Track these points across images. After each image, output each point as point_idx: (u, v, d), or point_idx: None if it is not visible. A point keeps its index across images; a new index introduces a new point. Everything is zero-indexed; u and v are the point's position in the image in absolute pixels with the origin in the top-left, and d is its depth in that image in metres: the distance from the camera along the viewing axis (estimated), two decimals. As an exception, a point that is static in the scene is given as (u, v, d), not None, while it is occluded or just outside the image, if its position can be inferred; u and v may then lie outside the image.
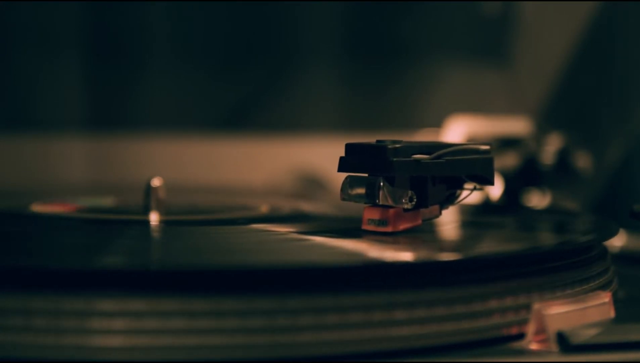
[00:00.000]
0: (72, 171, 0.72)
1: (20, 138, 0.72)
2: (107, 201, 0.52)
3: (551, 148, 0.59)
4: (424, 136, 0.68)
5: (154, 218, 0.43)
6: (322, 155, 0.71)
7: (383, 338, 0.30)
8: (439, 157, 0.37)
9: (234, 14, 0.75)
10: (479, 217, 0.49)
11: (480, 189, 0.40)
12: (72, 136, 0.72)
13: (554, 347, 0.31)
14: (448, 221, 0.43)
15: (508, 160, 0.59)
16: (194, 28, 0.75)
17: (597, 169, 0.63)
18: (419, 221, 0.38)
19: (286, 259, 0.33)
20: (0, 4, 0.70)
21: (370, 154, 0.37)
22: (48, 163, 0.72)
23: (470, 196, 0.40)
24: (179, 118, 0.75)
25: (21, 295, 0.29)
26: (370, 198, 0.37)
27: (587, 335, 0.31)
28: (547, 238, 0.43)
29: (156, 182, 0.44)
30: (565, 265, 0.35)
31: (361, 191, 0.37)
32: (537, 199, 0.58)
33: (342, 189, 0.37)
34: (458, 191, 0.39)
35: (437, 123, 0.68)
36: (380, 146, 0.36)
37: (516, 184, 0.58)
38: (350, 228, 0.39)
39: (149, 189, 0.44)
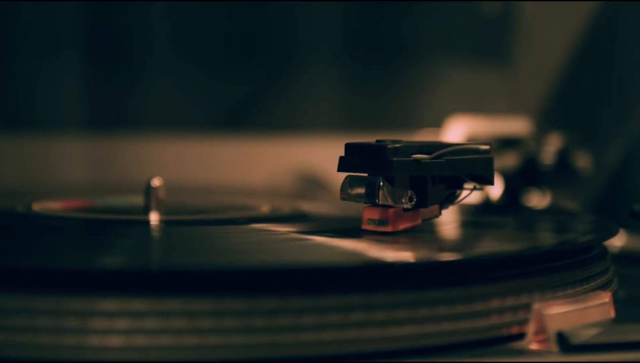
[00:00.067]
0: (72, 171, 0.72)
1: (20, 138, 0.72)
2: (132, 200, 0.51)
3: (551, 148, 0.59)
4: (424, 136, 0.68)
5: (154, 218, 0.43)
6: (322, 155, 0.71)
7: (383, 338, 0.30)
8: (438, 157, 0.37)
9: (234, 14, 0.75)
10: (479, 217, 0.49)
11: (480, 189, 0.40)
12: (72, 136, 0.72)
13: (554, 347, 0.31)
14: (448, 221, 0.43)
15: (508, 160, 0.58)
16: (194, 28, 0.75)
17: (597, 169, 0.63)
18: (419, 221, 0.38)
19: (286, 259, 0.33)
20: (0, 4, 0.70)
21: (370, 154, 0.37)
22: (48, 163, 0.72)
23: (470, 196, 0.40)
24: (179, 118, 0.75)
25: (21, 295, 0.29)
26: (370, 197, 0.37)
27: (587, 335, 0.31)
28: (547, 238, 0.43)
29: (156, 182, 0.44)
30: (565, 264, 0.35)
31: (361, 190, 0.37)
32: (537, 199, 0.58)
33: (342, 189, 0.37)
34: (458, 191, 0.39)
35: (437, 123, 0.68)
36: (380, 146, 0.36)
37: (516, 184, 0.58)
38: (350, 228, 0.39)
39: (149, 189, 0.44)
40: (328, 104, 0.77)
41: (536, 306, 0.32)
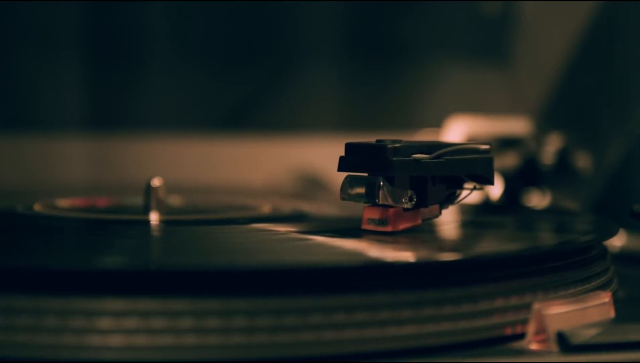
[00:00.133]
0: (72, 171, 0.72)
1: (20, 138, 0.72)
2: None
3: (551, 148, 0.59)
4: (424, 136, 0.68)
5: (154, 218, 0.43)
6: (322, 155, 0.71)
7: (383, 338, 0.30)
8: (438, 157, 0.37)
9: (234, 14, 0.75)
10: (479, 217, 0.49)
11: (480, 189, 0.40)
12: (72, 136, 0.72)
13: (554, 347, 0.31)
14: (448, 221, 0.43)
15: (508, 160, 0.58)
16: (194, 28, 0.75)
17: (597, 169, 0.63)
18: (419, 221, 0.38)
19: (287, 259, 0.33)
20: (0, 4, 0.70)
21: (370, 154, 0.37)
22: (48, 163, 0.72)
23: (470, 195, 0.40)
24: (179, 118, 0.75)
25: (21, 295, 0.29)
26: (370, 197, 0.37)
27: (587, 335, 0.31)
28: (547, 238, 0.43)
29: (156, 182, 0.44)
30: (565, 264, 0.35)
31: (361, 190, 0.37)
32: (537, 199, 0.58)
33: (342, 189, 0.37)
34: (458, 191, 0.39)
35: (437, 123, 0.68)
36: (380, 146, 0.36)
37: (516, 184, 0.58)
38: (351, 228, 0.39)
39: (149, 189, 0.44)
40: (328, 104, 0.77)
41: (536, 306, 0.32)
